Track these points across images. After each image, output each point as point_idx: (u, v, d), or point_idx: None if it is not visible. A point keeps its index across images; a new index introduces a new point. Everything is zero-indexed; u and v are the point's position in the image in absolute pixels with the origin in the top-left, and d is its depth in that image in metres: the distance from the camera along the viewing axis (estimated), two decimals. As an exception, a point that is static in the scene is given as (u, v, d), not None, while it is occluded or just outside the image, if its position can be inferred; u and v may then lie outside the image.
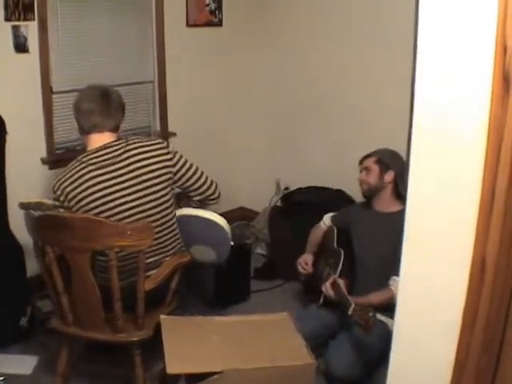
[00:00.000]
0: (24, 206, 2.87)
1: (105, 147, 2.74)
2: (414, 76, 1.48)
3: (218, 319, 2.76)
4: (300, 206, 4.16)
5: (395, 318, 1.71)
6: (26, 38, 3.58)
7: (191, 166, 2.90)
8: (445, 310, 1.55)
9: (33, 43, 3.63)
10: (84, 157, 2.75)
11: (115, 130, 2.81)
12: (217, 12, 4.64)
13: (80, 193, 2.69)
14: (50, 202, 2.92)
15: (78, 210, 2.71)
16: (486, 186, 1.39)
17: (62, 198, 2.73)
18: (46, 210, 2.86)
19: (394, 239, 2.91)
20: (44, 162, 3.86)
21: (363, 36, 4.01)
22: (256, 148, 5.03)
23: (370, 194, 3.29)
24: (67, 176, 2.73)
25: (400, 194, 3.17)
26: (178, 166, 2.84)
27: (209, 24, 4.63)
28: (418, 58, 1.46)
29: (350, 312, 2.74)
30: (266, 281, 4.17)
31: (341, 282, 3.02)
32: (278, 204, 4.58)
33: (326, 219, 3.58)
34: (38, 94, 3.75)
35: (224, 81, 4.85)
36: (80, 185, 2.69)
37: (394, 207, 3.20)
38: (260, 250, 4.65)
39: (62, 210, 2.78)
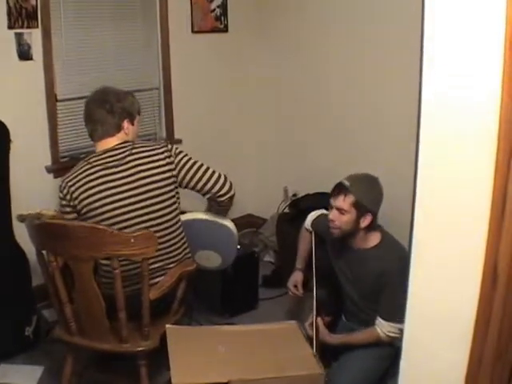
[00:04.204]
0: (22, 218, 2.85)
1: (111, 149, 2.78)
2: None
3: (225, 328, 2.73)
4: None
5: (405, 328, 1.66)
6: (29, 46, 3.57)
7: (194, 164, 2.85)
8: (456, 318, 1.52)
9: (37, 51, 3.62)
10: (91, 158, 2.79)
11: (118, 130, 2.82)
12: (222, 18, 4.62)
13: (83, 192, 2.72)
14: (50, 212, 2.90)
15: (81, 208, 2.73)
16: (497, 192, 1.36)
17: (68, 197, 2.75)
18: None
19: (377, 278, 2.85)
20: (49, 170, 3.85)
21: (375, 42, 3.93)
22: (263, 154, 5.00)
23: (343, 237, 2.93)
24: (73, 175, 2.76)
25: (376, 225, 2.93)
26: (178, 167, 2.81)
27: (214, 30, 4.61)
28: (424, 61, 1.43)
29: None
30: (274, 289, 4.13)
31: (320, 321, 2.93)
32: (286, 211, 4.53)
33: (307, 223, 3.40)
34: (43, 102, 3.74)
35: (230, 87, 4.82)
36: (84, 184, 2.72)
37: (372, 241, 2.91)
38: (268, 257, 4.61)
39: (66, 215, 2.79)
